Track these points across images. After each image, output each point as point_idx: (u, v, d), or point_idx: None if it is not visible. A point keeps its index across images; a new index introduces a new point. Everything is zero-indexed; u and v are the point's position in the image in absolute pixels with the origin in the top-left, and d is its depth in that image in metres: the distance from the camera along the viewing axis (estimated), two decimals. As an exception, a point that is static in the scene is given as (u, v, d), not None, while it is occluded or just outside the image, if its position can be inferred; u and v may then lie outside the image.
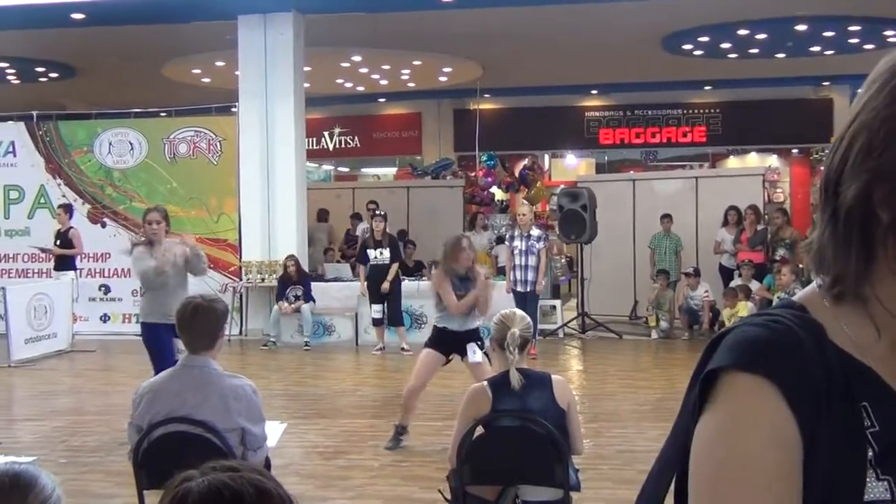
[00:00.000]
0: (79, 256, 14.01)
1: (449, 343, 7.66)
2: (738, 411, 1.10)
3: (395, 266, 13.08)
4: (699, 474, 1.10)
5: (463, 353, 7.59)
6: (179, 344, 7.10)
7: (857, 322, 1.14)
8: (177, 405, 4.22)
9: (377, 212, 13.60)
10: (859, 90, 1.17)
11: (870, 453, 1.09)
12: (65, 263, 13.79)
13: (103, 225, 15.11)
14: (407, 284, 13.53)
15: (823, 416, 1.09)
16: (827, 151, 1.16)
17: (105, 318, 14.97)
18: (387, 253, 13.03)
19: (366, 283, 13.25)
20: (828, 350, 1.12)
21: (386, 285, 12.98)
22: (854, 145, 1.11)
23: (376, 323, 13.27)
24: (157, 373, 7.26)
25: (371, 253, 13.09)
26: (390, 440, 7.80)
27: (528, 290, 12.53)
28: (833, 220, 1.13)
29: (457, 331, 7.62)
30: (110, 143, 15.14)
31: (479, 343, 7.56)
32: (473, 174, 19.08)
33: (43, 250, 14.18)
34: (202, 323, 4.35)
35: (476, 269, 7.83)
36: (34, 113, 15.42)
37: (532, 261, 12.53)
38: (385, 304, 13.16)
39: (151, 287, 7.67)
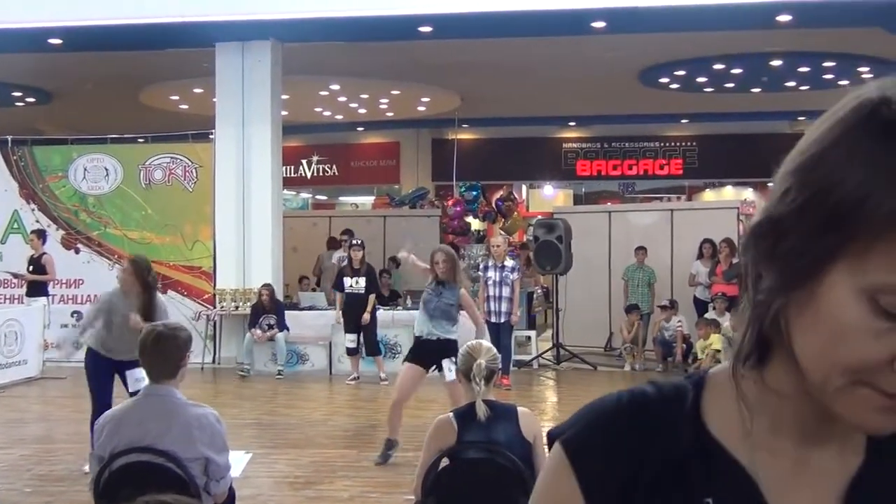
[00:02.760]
0: (51, 283, 13.90)
1: (426, 354, 7.99)
2: (542, 486, 1.08)
3: (372, 298, 13.02)
4: None
5: (440, 367, 7.89)
6: (136, 373, 7.15)
7: (754, 405, 1.00)
8: (139, 435, 4.17)
9: (353, 241, 13.57)
10: None
11: None
12: (37, 289, 13.68)
13: (77, 251, 15.01)
14: (382, 314, 13.50)
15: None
16: None
17: (77, 345, 14.80)
18: (363, 282, 12.98)
19: (341, 312, 13.22)
20: (686, 435, 1.02)
21: (366, 316, 12.92)
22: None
23: (351, 352, 13.18)
24: (94, 403, 7.33)
25: (347, 281, 13.05)
26: (380, 454, 8.06)
27: (503, 320, 12.52)
28: None
29: (428, 338, 7.97)
30: (85, 169, 15.07)
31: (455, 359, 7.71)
32: (451, 202, 19.12)
33: (15, 276, 14.06)
34: (165, 351, 4.30)
35: (459, 277, 8.26)
36: (9, 138, 15.34)
37: (506, 291, 12.54)
38: (360, 334, 13.11)
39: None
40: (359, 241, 13.50)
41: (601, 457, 1.03)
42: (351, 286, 12.98)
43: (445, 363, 7.75)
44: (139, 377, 7.13)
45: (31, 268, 13.65)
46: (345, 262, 14.77)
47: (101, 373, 7.58)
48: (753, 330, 0.96)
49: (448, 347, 7.84)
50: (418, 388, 8.20)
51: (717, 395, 1.04)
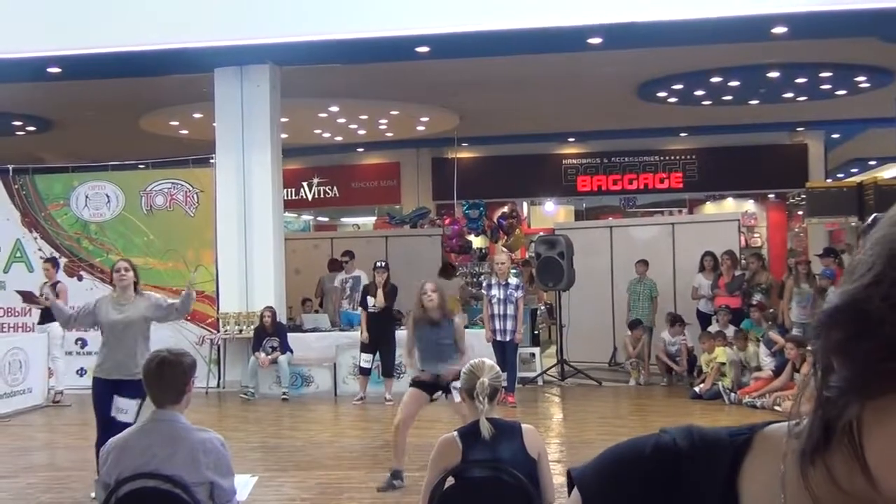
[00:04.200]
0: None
1: (429, 385, 8.00)
2: None
3: (381, 295, 13.01)
4: None
5: (448, 392, 7.86)
6: (119, 402, 7.21)
7: (799, 487, 0.89)
8: (145, 460, 4.18)
9: (378, 263, 13.56)
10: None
11: None
12: (50, 316, 13.65)
13: (80, 278, 15.01)
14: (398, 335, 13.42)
15: None
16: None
17: (82, 373, 14.80)
18: (382, 297, 13.03)
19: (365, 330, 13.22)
20: (710, 499, 0.94)
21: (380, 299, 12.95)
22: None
23: (363, 372, 13.19)
24: (98, 430, 7.35)
25: (370, 300, 13.12)
26: (385, 482, 7.93)
27: (508, 339, 12.50)
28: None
29: (432, 372, 7.99)
30: (87, 196, 15.10)
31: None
32: (447, 221, 19.16)
33: (28, 298, 13.87)
34: (169, 377, 4.32)
35: (449, 311, 8.26)
36: (10, 167, 15.37)
37: (511, 309, 12.52)
38: (378, 354, 13.11)
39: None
40: (383, 263, 13.52)
41: (613, 492, 0.98)
42: (374, 305, 13.02)
43: (453, 387, 7.70)
44: (121, 406, 7.17)
45: (44, 294, 13.61)
46: (349, 283, 14.81)
47: (103, 397, 7.55)
48: (819, 426, 0.85)
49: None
50: (420, 411, 8.20)
51: (761, 462, 0.94)
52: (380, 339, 13.03)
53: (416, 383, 8.05)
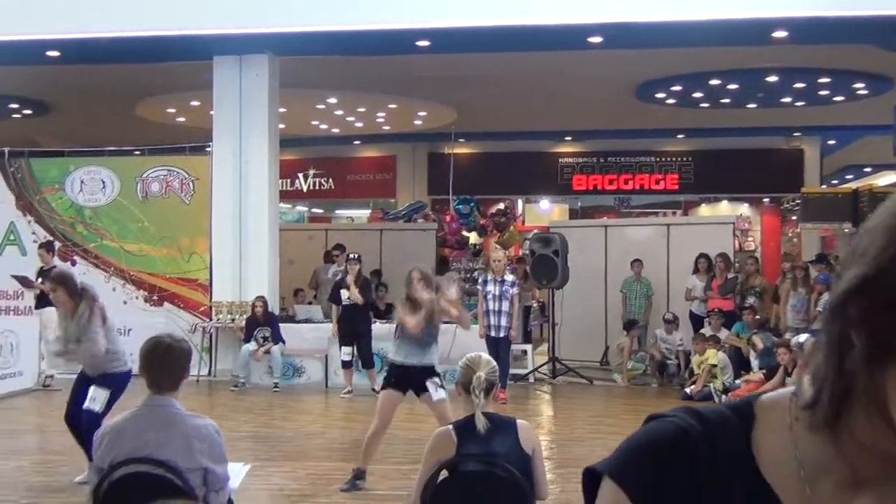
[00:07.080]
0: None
1: (404, 379, 7.61)
2: None
3: (355, 290, 13.02)
4: None
5: (419, 390, 7.55)
6: (92, 391, 7.29)
7: (813, 449, 0.98)
8: (139, 445, 4.17)
9: (350, 255, 13.63)
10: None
11: None
12: (45, 301, 13.60)
13: (73, 263, 14.94)
14: (378, 327, 13.46)
15: None
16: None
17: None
18: (357, 293, 13.03)
19: (337, 325, 13.26)
20: (735, 475, 1.00)
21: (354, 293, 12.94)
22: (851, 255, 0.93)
23: (345, 365, 13.21)
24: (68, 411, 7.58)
25: (344, 294, 13.10)
26: (347, 482, 7.68)
27: (502, 335, 12.50)
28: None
29: (412, 365, 7.57)
30: (82, 181, 15.07)
31: (437, 378, 7.57)
32: (448, 218, 19.14)
33: (23, 282, 13.81)
34: (170, 363, 4.32)
35: (423, 297, 7.73)
36: (6, 149, 15.33)
37: (505, 306, 12.54)
38: (356, 347, 13.12)
39: None
40: (356, 256, 13.55)
41: (660, 494, 1.00)
42: (348, 298, 13.03)
43: (430, 383, 7.46)
44: (93, 395, 7.29)
45: (41, 280, 13.56)
46: (339, 276, 14.84)
47: (78, 388, 7.72)
48: (839, 394, 0.92)
49: (427, 372, 7.55)
50: (396, 415, 7.91)
51: (770, 428, 1.02)
52: (356, 331, 13.06)
53: (388, 382, 7.71)
